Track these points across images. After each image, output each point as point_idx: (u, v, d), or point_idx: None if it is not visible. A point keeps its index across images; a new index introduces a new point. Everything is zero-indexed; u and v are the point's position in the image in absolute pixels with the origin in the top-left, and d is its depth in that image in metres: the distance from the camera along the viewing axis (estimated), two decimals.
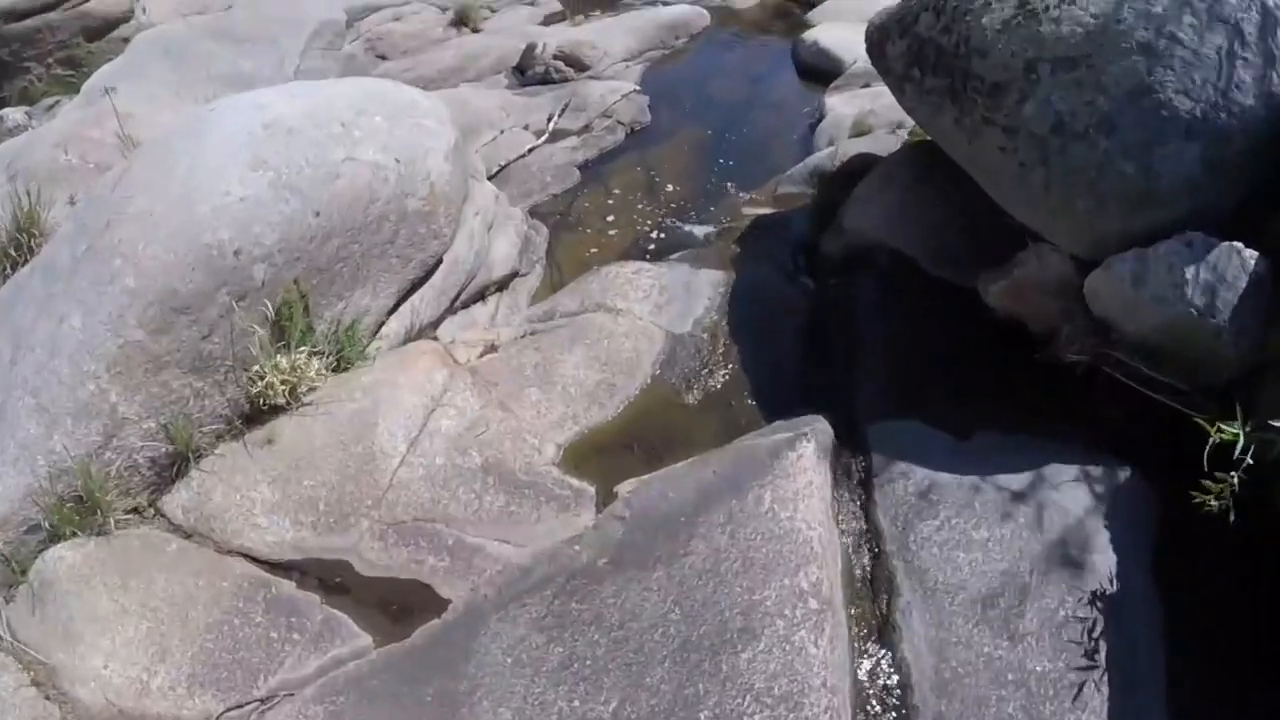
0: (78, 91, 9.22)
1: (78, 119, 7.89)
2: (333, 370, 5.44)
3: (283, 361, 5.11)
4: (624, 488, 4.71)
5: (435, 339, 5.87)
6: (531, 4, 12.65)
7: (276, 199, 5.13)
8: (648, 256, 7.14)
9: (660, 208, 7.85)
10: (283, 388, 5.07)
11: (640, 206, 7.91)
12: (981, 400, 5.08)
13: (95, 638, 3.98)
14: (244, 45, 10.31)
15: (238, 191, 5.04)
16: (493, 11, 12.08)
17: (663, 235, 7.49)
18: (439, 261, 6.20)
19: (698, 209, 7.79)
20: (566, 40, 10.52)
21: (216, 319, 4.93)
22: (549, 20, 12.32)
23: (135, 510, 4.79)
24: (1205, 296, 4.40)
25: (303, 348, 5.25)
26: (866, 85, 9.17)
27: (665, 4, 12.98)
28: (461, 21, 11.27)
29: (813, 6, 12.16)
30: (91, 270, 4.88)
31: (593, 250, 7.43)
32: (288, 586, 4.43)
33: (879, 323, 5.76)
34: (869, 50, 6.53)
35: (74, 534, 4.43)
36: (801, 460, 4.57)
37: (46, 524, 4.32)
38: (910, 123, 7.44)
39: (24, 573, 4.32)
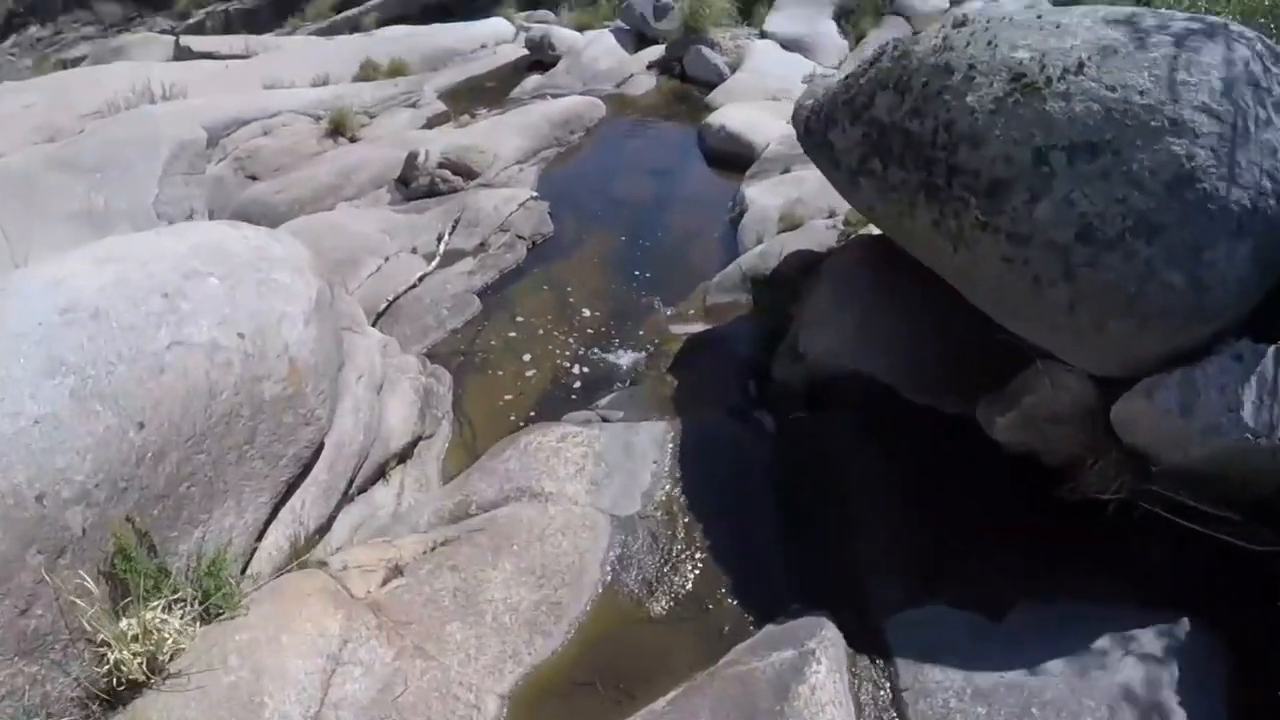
0: None
1: None
2: (201, 619, 4.12)
3: (130, 626, 3.79)
4: None
5: (323, 565, 4.53)
6: (413, 106, 11.59)
7: (83, 414, 3.82)
8: (573, 398, 6.09)
9: (577, 335, 6.79)
10: (136, 661, 3.76)
11: (554, 335, 6.83)
12: (1007, 560, 4.15)
13: None
14: (95, 175, 8.91)
15: (30, 411, 3.72)
16: (371, 117, 10.95)
17: (585, 369, 6.43)
18: (319, 449, 4.93)
19: (620, 333, 6.75)
20: (452, 145, 9.46)
21: (33, 586, 3.58)
22: (433, 122, 11.27)
23: None
24: (1261, 415, 3.58)
25: (155, 601, 3.93)
26: (787, 170, 8.39)
27: (554, 96, 12.14)
28: (337, 131, 10.06)
29: (711, 88, 11.46)
30: None
31: (506, 397, 6.28)
32: None
33: (865, 472, 4.76)
34: (802, 138, 5.63)
35: None
36: (817, 694, 3.50)
37: None
38: (844, 208, 6.59)
39: None
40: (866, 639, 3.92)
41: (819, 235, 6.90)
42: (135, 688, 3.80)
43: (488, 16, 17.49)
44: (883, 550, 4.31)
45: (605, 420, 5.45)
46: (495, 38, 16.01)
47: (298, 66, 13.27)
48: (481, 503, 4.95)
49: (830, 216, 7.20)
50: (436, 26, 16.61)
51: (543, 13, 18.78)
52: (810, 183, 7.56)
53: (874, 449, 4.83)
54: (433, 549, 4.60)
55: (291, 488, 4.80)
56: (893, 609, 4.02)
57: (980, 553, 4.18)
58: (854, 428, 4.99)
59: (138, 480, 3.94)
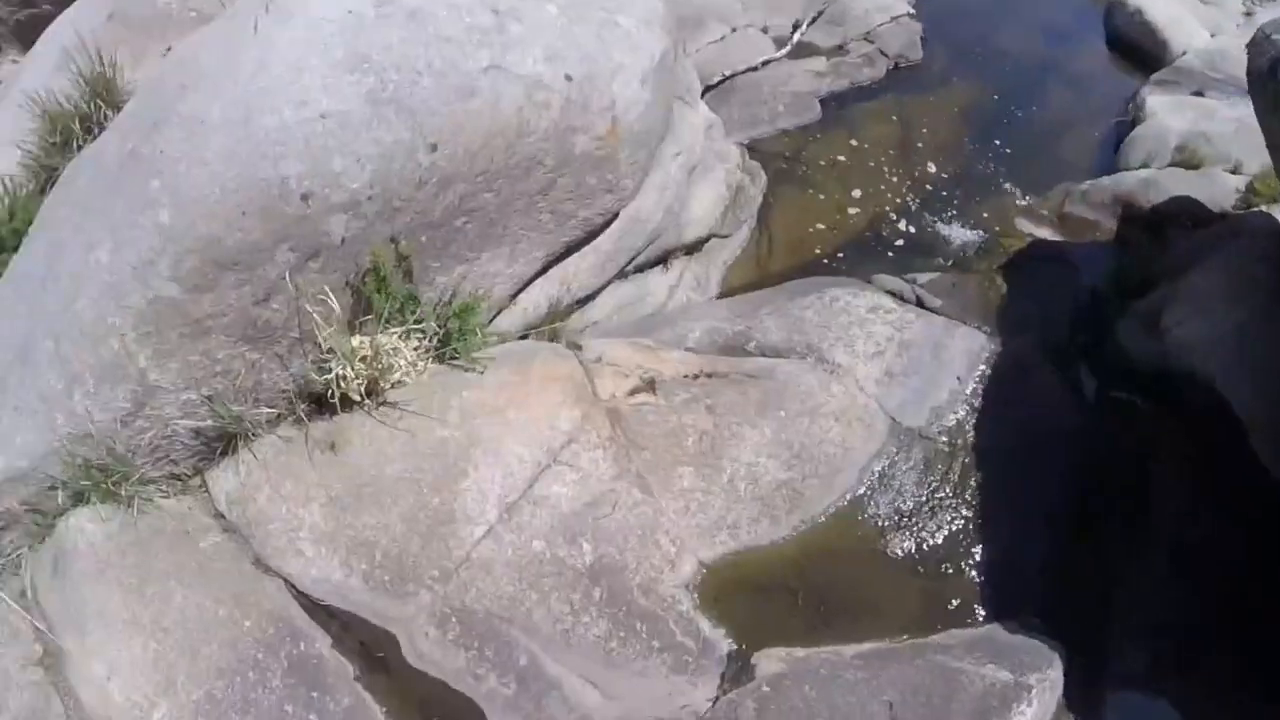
0: None
1: None
2: (435, 356, 3.94)
3: (362, 344, 3.66)
4: (766, 665, 3.22)
5: (578, 348, 4.24)
6: None
7: (376, 120, 3.51)
8: (890, 255, 5.35)
9: (913, 186, 5.89)
10: (356, 380, 3.66)
11: (888, 176, 5.95)
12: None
13: (103, 641, 3.26)
14: None
15: (318, 103, 3.44)
16: None
17: (911, 229, 5.60)
18: (612, 218, 4.48)
19: (961, 202, 5.79)
20: None
21: (275, 280, 3.50)
22: None
23: (176, 478, 3.73)
24: None
25: (395, 329, 3.76)
26: (1199, 93, 6.60)
27: None
28: None
29: None
30: (129, 186, 3.49)
31: (819, 225, 5.60)
32: (320, 644, 3.29)
33: (1177, 510, 3.80)
34: (1254, 72, 4.17)
35: (100, 501, 3.53)
36: None
37: (69, 487, 3.52)
38: (1255, 168, 5.10)
39: (51, 529, 3.55)
40: (1085, 699, 3.23)
41: (1217, 189, 5.45)
42: (347, 404, 3.73)
43: None
44: (1154, 604, 3.51)
45: (921, 304, 4.65)
46: None
47: None
48: (764, 344, 4.35)
49: (1235, 172, 5.63)
50: None
51: None
52: (1224, 119, 5.93)
53: (1198, 489, 3.83)
54: (695, 377, 4.13)
55: (570, 250, 4.45)
56: (1127, 680, 3.32)
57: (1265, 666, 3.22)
58: (1183, 452, 3.96)
59: (414, 204, 3.67)
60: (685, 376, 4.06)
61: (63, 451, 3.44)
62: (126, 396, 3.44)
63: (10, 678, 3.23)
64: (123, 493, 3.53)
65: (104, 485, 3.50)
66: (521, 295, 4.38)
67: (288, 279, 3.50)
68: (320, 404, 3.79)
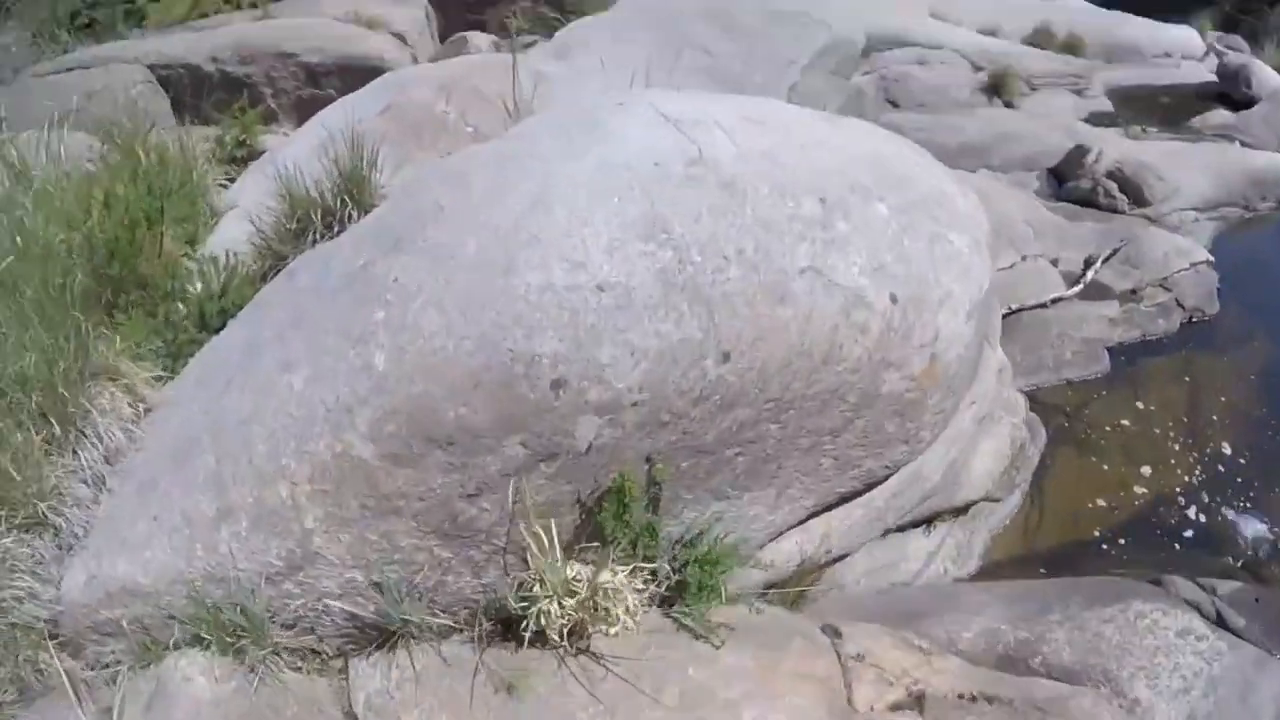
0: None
1: (479, 64, 6.08)
2: (660, 601, 3.12)
3: (577, 576, 2.87)
4: None
5: (835, 635, 3.18)
6: (1078, 93, 9.48)
7: (663, 307, 2.78)
8: (1176, 548, 4.33)
9: (1205, 465, 4.84)
10: (561, 619, 2.84)
11: (1177, 450, 4.93)
12: None
13: None
14: (738, 36, 8.17)
15: (597, 270, 2.77)
16: (1031, 89, 9.05)
17: (1202, 520, 4.51)
18: (895, 471, 3.53)
19: (1259, 492, 4.66)
20: (1125, 157, 7.35)
21: (494, 476, 2.77)
22: (1095, 120, 9.08)
23: (315, 653, 3.06)
24: None
25: (622, 567, 2.93)
26: None
27: (1245, 145, 9.22)
28: (995, 89, 8.43)
29: None
30: (349, 309, 2.95)
31: (1099, 501, 4.61)
32: None
33: None
34: None
35: (219, 653, 2.92)
36: None
37: (188, 627, 2.94)
38: None
39: (158, 659, 2.97)
40: None
41: None
42: (540, 643, 2.91)
43: (1178, 21, 14.22)
44: None
45: (1222, 621, 3.59)
46: (1182, 49, 13.04)
47: (966, 5, 11.63)
48: (1052, 663, 3.31)
49: None
50: (1120, 15, 13.84)
51: (1237, 39, 14.94)
52: None
53: None
54: (972, 699, 3.06)
55: (841, 501, 3.51)
56: None
57: None
58: None
59: (686, 421, 2.85)
60: (960, 696, 3.03)
61: (192, 586, 2.84)
62: (281, 554, 2.79)
63: None
64: (248, 655, 2.88)
65: (229, 640, 2.87)
66: (770, 545, 3.41)
67: (510, 479, 2.76)
68: (507, 629, 3.00)
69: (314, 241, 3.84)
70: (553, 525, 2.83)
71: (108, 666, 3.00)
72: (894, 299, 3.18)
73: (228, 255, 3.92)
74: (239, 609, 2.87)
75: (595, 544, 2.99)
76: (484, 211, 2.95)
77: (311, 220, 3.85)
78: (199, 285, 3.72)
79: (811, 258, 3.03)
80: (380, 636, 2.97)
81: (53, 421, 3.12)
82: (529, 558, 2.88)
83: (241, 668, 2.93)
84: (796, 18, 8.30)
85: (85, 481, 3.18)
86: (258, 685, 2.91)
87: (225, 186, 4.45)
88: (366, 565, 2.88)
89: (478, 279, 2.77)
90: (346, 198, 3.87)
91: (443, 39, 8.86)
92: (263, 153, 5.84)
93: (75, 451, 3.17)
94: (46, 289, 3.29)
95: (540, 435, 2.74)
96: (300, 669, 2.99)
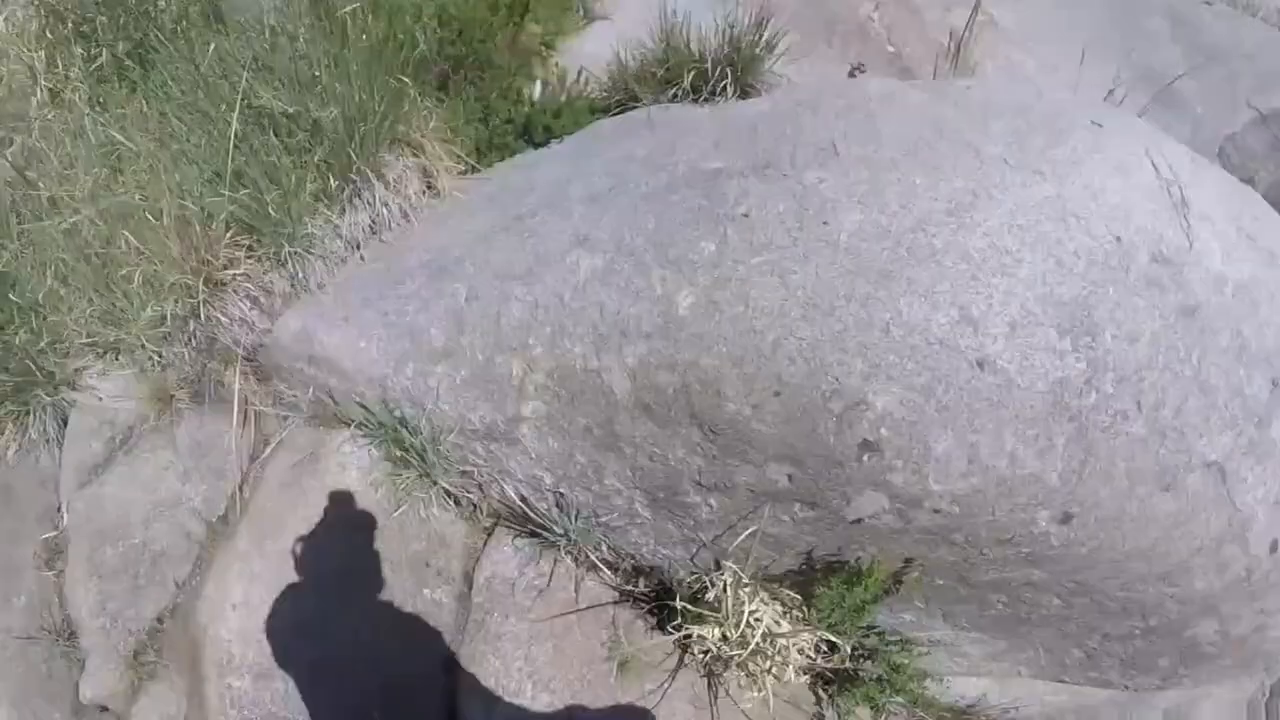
0: None
1: None
2: (814, 675, 2.75)
3: (754, 611, 2.55)
4: None
5: None
6: None
7: (1036, 425, 2.14)
8: None
9: None
10: (712, 643, 2.57)
11: None
12: None
13: None
14: (1195, 47, 6.62)
15: (987, 339, 2.14)
16: None
17: None
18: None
19: None
20: None
21: (741, 487, 2.39)
22: None
23: (472, 504, 2.94)
24: None
25: (805, 627, 2.59)
26: None
27: None
28: None
29: None
30: (676, 213, 2.54)
31: None
32: None
33: None
34: None
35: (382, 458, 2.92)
36: None
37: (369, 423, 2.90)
38: None
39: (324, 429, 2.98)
40: None
41: None
42: (683, 645, 2.65)
43: None
44: None
45: None
46: None
47: None
48: None
49: None
50: None
51: None
52: None
53: None
54: None
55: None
56: None
57: None
58: None
59: (975, 552, 2.32)
60: None
61: (389, 394, 2.77)
62: (485, 419, 2.63)
63: None
64: (405, 477, 2.85)
65: (397, 454, 2.83)
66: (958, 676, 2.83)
67: (754, 497, 2.37)
68: (655, 604, 2.77)
69: (675, 98, 3.30)
70: (764, 557, 2.42)
71: (280, 412, 2.96)
72: (1275, 547, 2.37)
73: (580, 74, 3.45)
74: (422, 437, 2.70)
75: (794, 591, 2.52)
76: (883, 187, 2.32)
77: (680, 77, 3.28)
78: (538, 91, 3.30)
79: (1226, 455, 2.26)
80: (535, 531, 2.75)
81: (331, 176, 2.86)
82: (724, 569, 2.51)
83: (397, 482, 2.83)
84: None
85: (341, 239, 2.95)
86: (403, 505, 2.81)
87: None
88: (560, 475, 2.61)
89: (838, 275, 2.19)
90: (728, 69, 3.26)
91: None
92: None
93: (345, 209, 2.92)
94: (382, 44, 2.95)
95: (814, 482, 2.25)
96: (449, 511, 2.87)
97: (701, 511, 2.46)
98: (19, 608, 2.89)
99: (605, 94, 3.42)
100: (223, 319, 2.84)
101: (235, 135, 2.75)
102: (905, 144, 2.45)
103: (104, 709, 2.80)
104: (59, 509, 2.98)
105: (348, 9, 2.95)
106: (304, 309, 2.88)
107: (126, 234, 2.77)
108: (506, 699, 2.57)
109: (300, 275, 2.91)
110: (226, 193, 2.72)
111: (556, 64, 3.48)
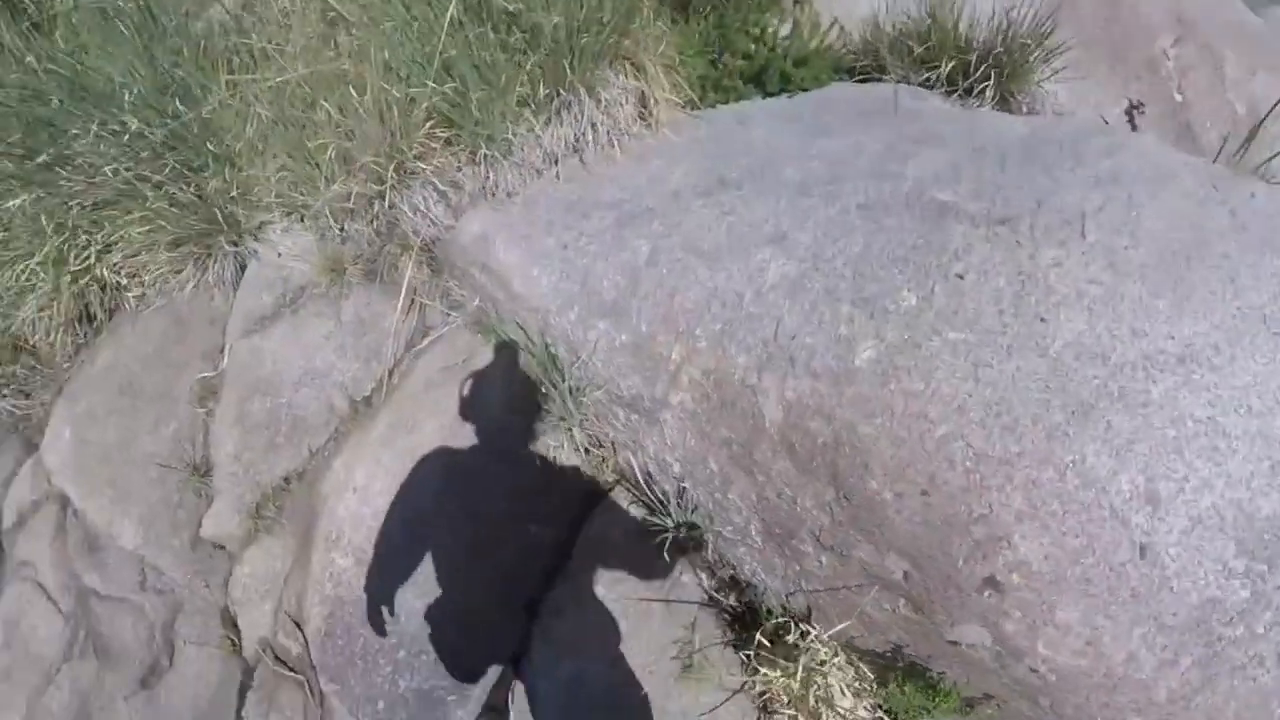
0: None
1: None
2: None
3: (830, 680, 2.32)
4: None
5: None
6: None
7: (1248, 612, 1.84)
8: None
9: None
10: (773, 686, 2.40)
11: None
12: None
13: None
14: None
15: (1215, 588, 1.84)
16: None
17: None
18: None
19: None
20: None
21: (854, 561, 2.20)
22: None
23: (602, 449, 2.87)
24: None
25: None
26: None
27: None
28: None
29: None
30: (900, 238, 2.27)
31: None
32: None
33: None
34: None
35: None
36: None
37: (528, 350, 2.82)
38: None
39: (484, 337, 2.96)
40: None
41: None
42: (750, 669, 2.47)
43: None
44: None
45: None
46: None
47: None
48: None
49: None
50: None
51: None
52: None
53: None
54: None
55: None
56: None
57: None
58: None
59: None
60: None
61: (566, 331, 2.60)
62: (632, 390, 2.49)
63: None
64: (550, 413, 2.74)
65: (541, 388, 2.74)
66: None
67: (861, 574, 2.19)
68: (738, 620, 2.60)
69: (927, 83, 2.94)
70: (855, 629, 2.24)
71: (445, 308, 2.92)
72: None
73: (832, 24, 3.11)
74: (568, 384, 2.59)
75: (870, 669, 2.35)
76: (1119, 298, 1.99)
77: (938, 61, 2.90)
78: (786, 31, 2.99)
79: None
80: (650, 510, 2.62)
81: (543, 83, 2.68)
82: (813, 624, 2.34)
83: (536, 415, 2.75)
84: None
85: (541, 150, 2.79)
86: (537, 439, 2.75)
87: None
88: (689, 471, 2.48)
89: (1035, 388, 1.92)
90: (993, 70, 2.85)
91: None
92: None
93: (550, 121, 2.75)
94: None
95: (927, 591, 2.05)
96: (576, 456, 2.78)
97: (811, 564, 2.29)
98: (166, 436, 2.99)
99: (854, 54, 3.08)
100: (406, 208, 2.76)
101: (451, 21, 2.59)
102: (1161, 249, 2.06)
103: (220, 547, 2.88)
104: (222, 350, 3.04)
105: None
106: (488, 214, 2.77)
107: (327, 105, 2.69)
108: (571, 659, 2.48)
109: (491, 179, 2.78)
110: (431, 83, 2.58)
111: (808, 5, 3.15)
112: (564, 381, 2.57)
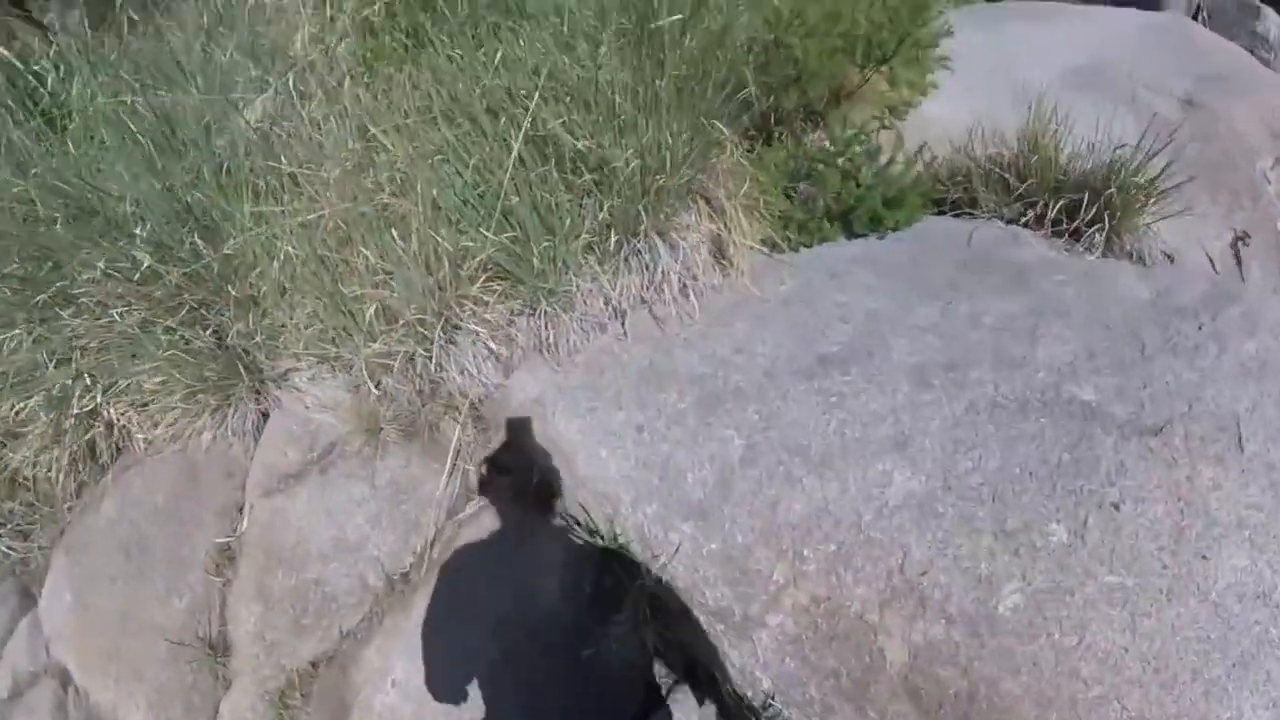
0: None
1: None
2: None
3: None
4: None
5: None
6: None
7: None
8: None
9: None
10: None
11: None
12: None
13: None
14: None
15: None
16: None
17: None
18: None
19: None
20: None
21: None
22: None
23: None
24: None
25: None
26: None
27: None
28: None
29: None
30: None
31: None
32: None
33: None
34: None
35: None
36: None
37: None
38: None
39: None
40: None
41: None
42: None
43: None
44: None
45: None
46: None
47: None
48: None
49: None
50: None
51: None
52: None
53: None
54: None
55: None
56: None
57: None
58: None
59: None
60: None
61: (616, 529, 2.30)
62: (723, 601, 2.21)
63: None
64: None
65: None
66: None
67: None
68: None
69: (1024, 222, 2.61)
70: None
71: (493, 475, 2.56)
72: None
73: (920, 152, 2.77)
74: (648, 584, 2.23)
75: None
76: None
77: (1038, 198, 2.58)
78: (874, 168, 2.64)
79: None
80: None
81: (613, 230, 2.33)
82: None
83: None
84: None
85: (607, 304, 2.45)
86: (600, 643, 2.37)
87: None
88: (783, 690, 2.11)
89: (1195, 638, 1.71)
90: (1105, 213, 2.52)
91: None
92: None
93: (618, 269, 2.41)
94: (699, 71, 2.36)
95: None
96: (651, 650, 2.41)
97: None
98: (178, 609, 2.64)
99: (942, 184, 2.75)
100: (454, 368, 2.41)
101: (515, 161, 2.25)
102: None
103: None
104: (240, 509, 2.69)
105: (668, 20, 2.37)
106: (546, 375, 2.44)
107: (366, 251, 2.34)
108: None
109: (550, 336, 2.43)
110: (491, 234, 2.24)
111: (899, 132, 2.81)
112: (637, 580, 2.22)
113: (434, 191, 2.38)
